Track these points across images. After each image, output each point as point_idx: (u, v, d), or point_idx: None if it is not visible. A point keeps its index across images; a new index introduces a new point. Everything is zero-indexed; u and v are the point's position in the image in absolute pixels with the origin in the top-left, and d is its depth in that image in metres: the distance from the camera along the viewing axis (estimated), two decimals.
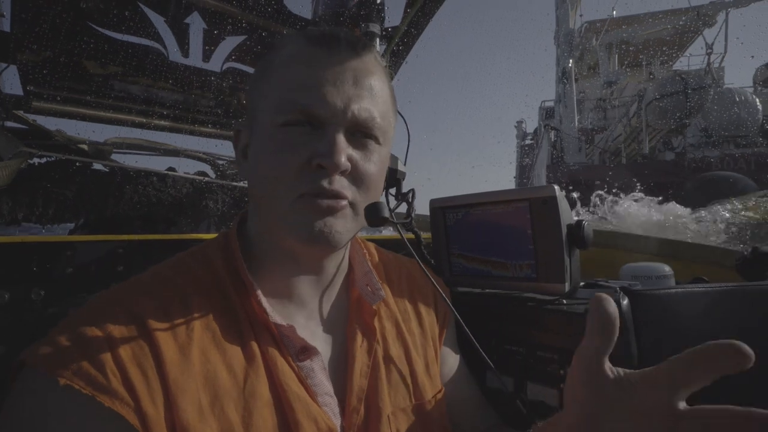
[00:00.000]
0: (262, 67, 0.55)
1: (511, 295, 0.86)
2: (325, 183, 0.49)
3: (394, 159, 0.70)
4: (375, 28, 1.15)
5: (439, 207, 0.95)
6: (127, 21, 1.15)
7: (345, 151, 0.49)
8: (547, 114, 19.41)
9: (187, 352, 0.46)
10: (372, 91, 0.52)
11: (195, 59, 1.30)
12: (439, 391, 0.64)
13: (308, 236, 0.49)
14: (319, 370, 0.52)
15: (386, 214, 0.53)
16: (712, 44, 16.46)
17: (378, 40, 1.17)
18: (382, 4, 1.16)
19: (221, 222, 1.86)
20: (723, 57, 17.97)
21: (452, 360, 0.72)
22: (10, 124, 1.42)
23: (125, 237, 1.00)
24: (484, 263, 0.88)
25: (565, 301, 0.77)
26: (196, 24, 1.24)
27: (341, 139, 0.49)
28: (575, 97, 16.21)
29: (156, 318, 0.46)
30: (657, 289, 0.69)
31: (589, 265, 1.06)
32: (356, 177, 0.52)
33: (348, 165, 0.50)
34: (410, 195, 0.72)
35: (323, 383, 0.52)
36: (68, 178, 1.51)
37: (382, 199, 0.66)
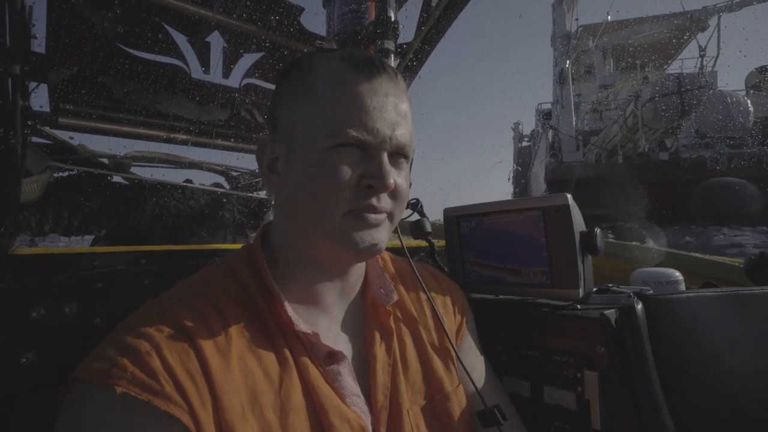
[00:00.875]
0: (297, 86, 0.58)
1: (526, 301, 0.88)
2: (374, 201, 0.54)
3: None
4: (390, 45, 1.20)
5: (454, 216, 0.98)
6: (152, 41, 1.22)
7: (392, 174, 0.55)
8: (544, 116, 19.47)
9: (227, 358, 0.49)
10: (407, 117, 0.58)
11: (216, 76, 1.37)
12: (457, 386, 0.66)
13: (358, 248, 0.54)
14: (346, 373, 0.56)
15: (429, 229, 0.59)
16: (705, 47, 16.66)
17: (392, 56, 1.22)
18: (396, 22, 1.21)
19: (236, 232, 1.90)
20: (716, 60, 18.15)
21: (473, 358, 0.73)
22: (36, 139, 1.48)
23: (147, 248, 1.04)
24: (499, 270, 0.91)
25: (579, 307, 0.79)
26: (216, 42, 1.31)
27: (387, 162, 0.55)
28: (572, 98, 16.36)
29: (197, 327, 0.49)
30: (669, 294, 0.71)
31: (599, 274, 1.08)
32: (395, 194, 0.57)
33: (394, 185, 0.55)
34: (419, 205, 0.78)
35: (350, 384, 0.55)
36: (91, 191, 1.57)
37: None
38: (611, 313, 0.70)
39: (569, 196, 0.79)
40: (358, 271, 0.63)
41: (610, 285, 0.92)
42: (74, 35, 1.10)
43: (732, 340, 0.67)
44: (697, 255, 1.20)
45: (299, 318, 0.55)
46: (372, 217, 0.55)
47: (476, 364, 0.73)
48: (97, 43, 1.15)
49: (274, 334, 0.54)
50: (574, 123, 16.17)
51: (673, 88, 13.20)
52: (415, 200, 0.78)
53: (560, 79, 16.18)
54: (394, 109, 0.55)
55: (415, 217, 0.92)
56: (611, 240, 1.38)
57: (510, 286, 0.89)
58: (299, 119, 0.56)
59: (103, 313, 0.86)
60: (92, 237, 1.75)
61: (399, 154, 0.57)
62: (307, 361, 0.53)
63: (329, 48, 0.62)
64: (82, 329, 0.85)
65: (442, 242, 1.07)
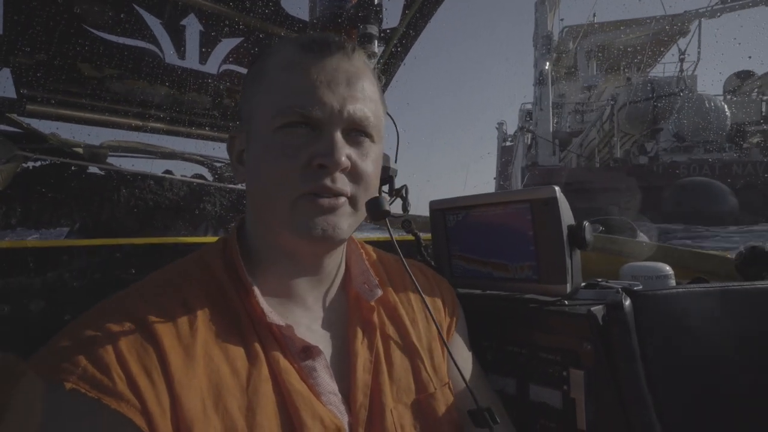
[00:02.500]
0: (254, 73, 0.57)
1: (513, 297, 0.86)
2: (327, 181, 0.50)
3: (385, 157, 0.71)
4: (373, 29, 1.15)
5: (440, 209, 0.95)
6: (122, 23, 1.14)
7: (344, 150, 0.51)
8: (527, 116, 19.81)
9: (190, 353, 0.46)
10: (364, 92, 0.54)
11: (192, 61, 1.30)
12: (445, 384, 0.64)
13: (311, 234, 0.51)
14: (321, 369, 0.53)
15: (387, 207, 0.54)
16: (685, 50, 17.37)
17: (376, 42, 1.17)
18: (380, 5, 1.15)
19: (219, 225, 1.85)
20: (696, 65, 18.75)
21: (464, 356, 0.71)
22: (3, 127, 1.40)
23: (123, 241, 0.99)
24: (485, 265, 0.88)
25: (566, 302, 0.77)
26: (192, 26, 1.24)
27: (339, 138, 0.51)
28: (551, 100, 16.79)
29: (158, 321, 0.47)
30: (658, 289, 0.69)
31: (589, 268, 1.06)
32: (355, 174, 0.53)
33: (348, 163, 0.51)
34: (404, 190, 0.75)
35: (327, 382, 0.53)
36: (63, 182, 1.50)
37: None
38: (598, 309, 0.68)
39: (557, 188, 0.77)
40: (332, 262, 0.60)
41: (600, 279, 0.91)
42: (35, 15, 1.03)
43: (721, 335, 0.66)
44: (688, 249, 1.19)
45: (273, 310, 0.52)
46: (325, 200, 0.51)
47: (467, 362, 0.70)
48: (61, 23, 1.08)
49: (246, 328, 0.51)
50: (551, 127, 16.67)
51: (645, 94, 13.66)
52: (402, 186, 0.73)
53: (539, 80, 16.49)
54: (346, 83, 0.52)
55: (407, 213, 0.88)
56: (601, 234, 1.37)
57: (497, 281, 0.86)
58: (255, 105, 0.54)
59: (74, 310, 0.82)
60: (66, 230, 1.69)
61: (357, 131, 0.53)
62: (279, 355, 0.50)
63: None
64: (51, 326, 0.81)
65: (428, 236, 1.05)
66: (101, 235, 1.64)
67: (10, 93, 1.24)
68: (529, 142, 17.07)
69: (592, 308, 0.68)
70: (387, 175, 0.71)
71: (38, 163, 1.54)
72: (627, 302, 0.65)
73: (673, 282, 0.90)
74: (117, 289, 0.52)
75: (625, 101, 14.09)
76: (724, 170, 11.98)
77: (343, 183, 0.52)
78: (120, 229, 1.66)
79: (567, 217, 0.78)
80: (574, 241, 0.77)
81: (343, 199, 0.52)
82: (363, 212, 0.56)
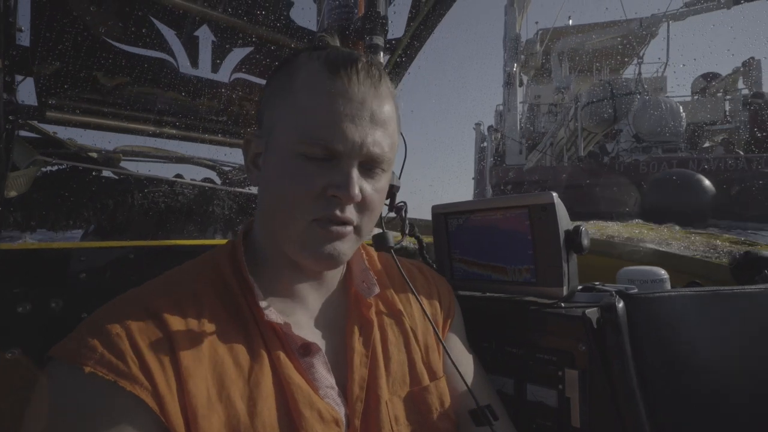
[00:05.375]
0: (279, 85, 0.58)
1: (512, 299, 0.89)
2: (337, 211, 0.54)
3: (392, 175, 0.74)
4: (379, 40, 1.19)
5: (441, 213, 0.98)
6: (139, 35, 1.20)
7: (358, 184, 0.54)
8: (501, 116, 20.02)
9: (198, 344, 0.50)
10: (385, 125, 0.56)
11: (204, 70, 1.35)
12: (439, 379, 0.66)
13: (318, 258, 0.55)
14: (319, 365, 0.56)
15: (392, 243, 0.61)
16: (643, 54, 18.21)
17: (381, 52, 1.21)
18: (385, 17, 1.20)
19: (227, 227, 1.90)
20: (665, 66, 19.18)
21: (461, 355, 0.73)
22: (24, 133, 1.46)
23: (136, 243, 1.03)
24: (484, 268, 0.91)
25: (563, 305, 0.80)
26: (205, 36, 1.29)
27: (355, 173, 0.54)
28: (524, 101, 17.11)
29: (170, 313, 0.51)
30: (652, 292, 0.71)
31: (586, 271, 1.09)
32: (363, 205, 0.56)
33: (360, 196, 0.55)
34: (403, 210, 0.78)
35: (324, 377, 0.56)
36: (80, 186, 1.56)
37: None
38: (593, 311, 0.70)
39: (555, 194, 0.79)
40: (336, 270, 0.64)
41: (596, 283, 0.93)
42: (58, 28, 1.09)
43: (714, 338, 0.68)
44: (683, 253, 1.21)
45: (273, 309, 0.55)
46: (335, 228, 0.54)
47: (464, 360, 0.73)
48: (83, 36, 1.14)
49: (250, 326, 0.54)
50: (518, 126, 16.79)
51: (605, 94, 14.02)
52: (402, 203, 0.76)
53: (507, 81, 16.77)
54: (370, 117, 0.54)
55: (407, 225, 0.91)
56: (598, 238, 1.39)
57: (496, 283, 0.89)
58: (278, 119, 0.56)
59: (90, 308, 0.87)
60: (81, 231, 1.74)
61: (373, 164, 0.56)
62: (279, 351, 0.54)
63: (320, 45, 0.62)
64: (69, 324, 0.85)
65: (429, 238, 1.08)
66: (115, 236, 1.69)
67: (32, 101, 1.30)
68: (496, 143, 17.49)
69: (587, 311, 0.70)
70: (390, 192, 0.74)
71: (56, 168, 1.60)
72: (620, 305, 0.67)
73: (668, 286, 0.92)
74: (130, 288, 0.56)
75: (586, 101, 14.52)
76: (680, 167, 12.31)
77: (351, 212, 0.55)
78: (133, 230, 1.71)
79: (564, 222, 0.81)
80: (571, 246, 0.79)
81: (350, 228, 0.56)
82: (365, 237, 0.60)
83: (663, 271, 0.93)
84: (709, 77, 17.81)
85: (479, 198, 1.00)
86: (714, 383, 0.64)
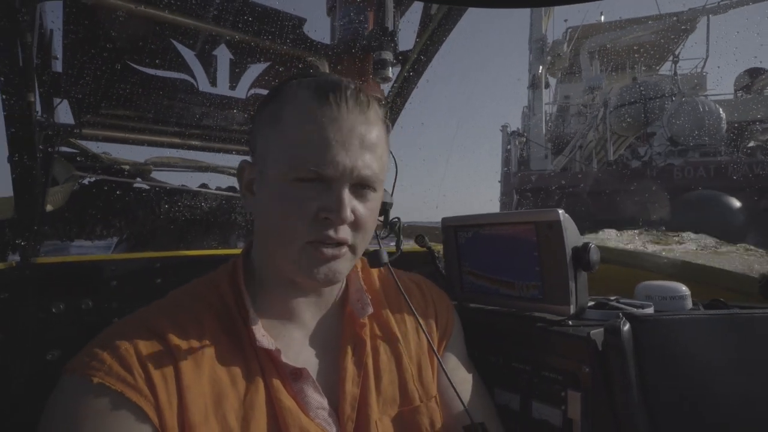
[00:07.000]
0: (270, 114, 0.60)
1: (520, 314, 0.88)
2: (331, 232, 0.56)
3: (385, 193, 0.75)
4: (387, 55, 1.20)
5: (452, 226, 0.98)
6: (162, 57, 1.27)
7: (350, 205, 0.56)
8: (527, 118, 19.28)
9: (199, 363, 0.53)
10: (374, 148, 0.58)
11: (222, 88, 1.41)
12: (431, 398, 0.67)
13: (314, 278, 0.58)
14: (309, 389, 0.58)
15: (386, 260, 0.63)
16: (679, 53, 17.00)
17: (390, 67, 1.22)
18: (394, 32, 1.21)
19: (249, 234, 1.97)
20: (705, 62, 17.92)
21: (459, 371, 0.73)
22: (62, 149, 1.58)
23: (161, 254, 1.11)
24: (493, 282, 0.91)
25: (570, 323, 0.78)
26: (223, 55, 1.35)
27: (347, 195, 0.56)
28: (552, 103, 16.41)
29: (174, 333, 0.54)
30: (662, 314, 0.69)
31: (606, 282, 1.05)
32: (356, 224, 0.58)
33: (352, 217, 0.57)
34: (398, 226, 0.79)
35: (315, 399, 0.58)
36: (113, 197, 1.66)
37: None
38: (598, 333, 0.69)
39: (561, 211, 0.78)
40: (333, 288, 0.66)
41: (613, 298, 0.91)
42: (90, 55, 1.18)
43: (728, 366, 0.65)
44: (709, 266, 1.15)
45: (267, 334, 0.58)
46: (329, 250, 0.57)
47: (462, 377, 0.72)
48: (111, 61, 1.22)
49: (246, 348, 0.57)
50: (544, 130, 16.20)
51: (635, 97, 13.16)
52: (396, 219, 0.78)
53: (533, 83, 16.13)
54: (359, 142, 0.56)
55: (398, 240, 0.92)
56: (619, 248, 1.34)
57: (504, 298, 0.89)
58: (269, 148, 0.59)
59: (121, 314, 0.95)
60: (115, 240, 1.86)
61: (364, 185, 0.58)
62: (272, 373, 0.57)
63: (309, 72, 0.64)
64: (100, 327, 0.94)
65: (439, 246, 1.08)
66: (146, 245, 1.80)
67: (69, 120, 1.40)
68: (520, 147, 16.87)
69: (592, 332, 0.69)
70: (383, 208, 0.75)
71: (93, 180, 1.72)
72: (626, 327, 0.66)
73: (689, 303, 0.88)
74: (156, 297, 0.61)
75: (616, 104, 13.73)
76: (718, 172, 11.51)
77: (345, 233, 0.57)
78: (162, 239, 1.81)
79: (573, 238, 0.79)
80: (579, 263, 0.78)
81: (344, 249, 0.58)
82: (360, 254, 0.62)
83: (684, 287, 0.89)
84: (753, 73, 16.49)
85: (505, 202, 0.99)
86: (725, 415, 0.62)
